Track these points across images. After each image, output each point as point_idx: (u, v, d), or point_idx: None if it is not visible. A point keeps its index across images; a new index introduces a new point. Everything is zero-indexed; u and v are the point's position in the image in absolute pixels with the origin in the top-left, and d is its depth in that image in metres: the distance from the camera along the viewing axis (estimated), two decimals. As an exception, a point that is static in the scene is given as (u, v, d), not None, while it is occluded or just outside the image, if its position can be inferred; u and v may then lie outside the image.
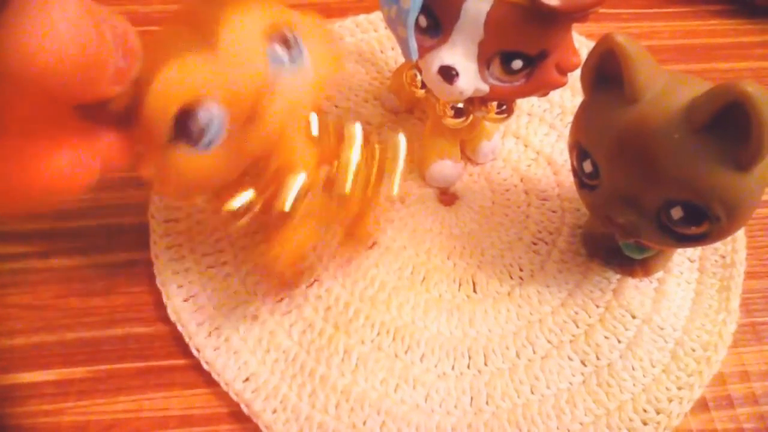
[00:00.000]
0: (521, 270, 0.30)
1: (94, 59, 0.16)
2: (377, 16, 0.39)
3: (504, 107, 0.28)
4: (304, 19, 0.22)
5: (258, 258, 0.29)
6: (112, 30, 0.17)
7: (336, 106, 0.35)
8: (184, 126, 0.19)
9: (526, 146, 0.34)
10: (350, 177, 0.24)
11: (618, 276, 0.30)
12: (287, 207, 0.23)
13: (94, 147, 0.19)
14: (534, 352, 0.28)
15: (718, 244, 0.30)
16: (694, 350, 0.28)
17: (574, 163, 0.25)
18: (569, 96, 0.36)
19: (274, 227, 0.25)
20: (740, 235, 0.31)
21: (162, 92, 0.19)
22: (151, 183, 0.21)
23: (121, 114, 0.19)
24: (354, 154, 0.24)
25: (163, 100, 0.19)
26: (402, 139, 0.25)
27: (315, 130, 0.24)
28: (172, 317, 0.28)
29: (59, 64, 0.15)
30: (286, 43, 0.21)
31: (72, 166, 0.18)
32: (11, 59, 0.14)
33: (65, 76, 0.15)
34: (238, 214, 0.23)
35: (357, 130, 0.25)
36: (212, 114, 0.20)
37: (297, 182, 0.23)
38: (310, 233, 0.25)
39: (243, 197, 0.23)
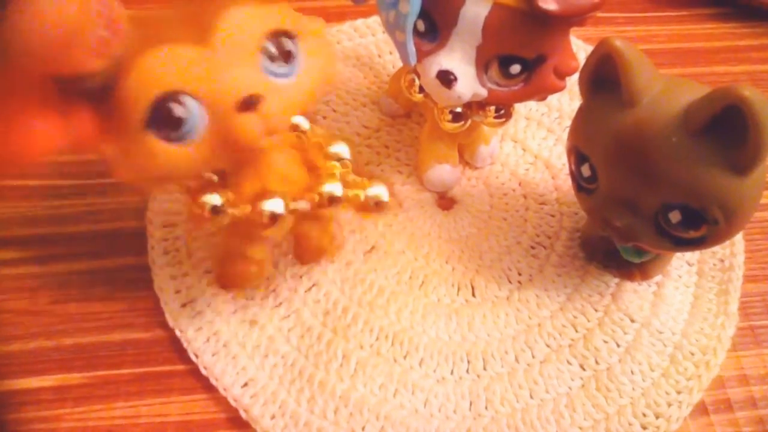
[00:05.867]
0: (520, 274, 0.30)
1: (72, 25, 0.16)
2: (375, 21, 0.39)
3: (502, 111, 0.28)
4: (306, 25, 0.22)
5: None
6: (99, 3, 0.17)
7: (334, 110, 0.35)
8: (160, 114, 0.19)
9: (524, 150, 0.34)
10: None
11: (616, 280, 0.30)
12: (272, 234, 0.23)
13: (64, 119, 0.18)
14: (533, 357, 0.28)
15: (716, 248, 0.30)
16: (693, 354, 0.28)
17: (572, 166, 0.25)
18: (567, 100, 0.36)
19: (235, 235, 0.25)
20: (739, 238, 0.31)
21: (144, 76, 0.19)
22: (112, 164, 0.20)
23: (97, 90, 0.19)
24: (337, 188, 0.23)
25: (143, 84, 0.19)
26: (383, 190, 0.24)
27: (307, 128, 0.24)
28: (170, 322, 0.28)
29: (39, 30, 0.15)
30: (282, 52, 0.20)
31: (37, 133, 0.18)
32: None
33: (44, 42, 0.15)
34: (204, 217, 0.22)
35: (344, 150, 0.24)
36: (191, 109, 0.19)
37: (275, 207, 0.22)
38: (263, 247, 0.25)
39: (212, 199, 0.22)
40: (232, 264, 0.25)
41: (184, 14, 0.20)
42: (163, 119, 0.19)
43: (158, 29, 0.19)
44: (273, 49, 0.20)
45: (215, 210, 0.22)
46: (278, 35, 0.20)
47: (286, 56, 0.21)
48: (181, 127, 0.19)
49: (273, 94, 0.20)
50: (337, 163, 0.24)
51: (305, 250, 0.26)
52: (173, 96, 0.19)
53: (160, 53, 0.19)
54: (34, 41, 0.15)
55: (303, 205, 0.23)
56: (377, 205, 0.24)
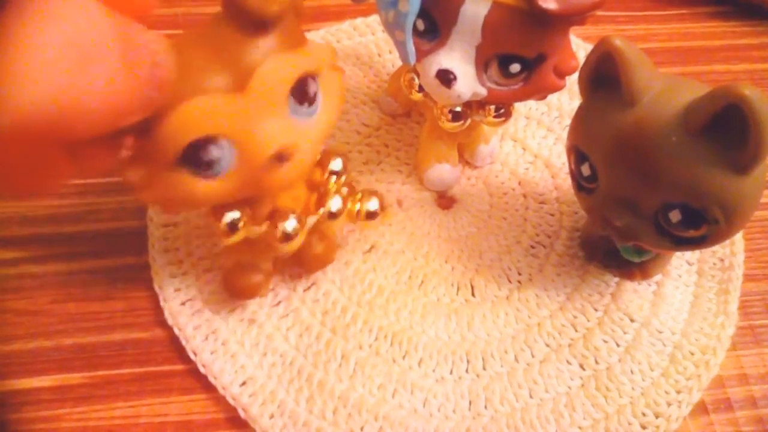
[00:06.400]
0: (519, 273, 0.30)
1: (121, 99, 0.16)
2: (375, 20, 0.39)
3: (502, 110, 0.28)
4: (321, 54, 0.22)
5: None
6: (152, 57, 0.17)
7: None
8: (194, 155, 0.20)
9: (524, 149, 0.34)
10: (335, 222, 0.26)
11: (616, 279, 0.30)
12: (286, 250, 0.25)
13: (74, 157, 0.18)
14: (532, 356, 0.28)
15: (716, 247, 0.30)
16: (692, 353, 0.28)
17: (572, 166, 0.25)
18: (567, 99, 0.36)
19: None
20: (739, 238, 0.31)
21: (182, 121, 0.19)
22: (135, 188, 0.21)
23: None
24: (338, 203, 0.25)
25: (180, 129, 0.19)
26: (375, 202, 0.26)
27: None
28: (169, 320, 0.28)
29: (86, 107, 0.15)
30: (308, 95, 0.21)
31: (43, 175, 0.18)
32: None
33: (87, 117, 0.15)
34: (227, 232, 0.24)
35: (339, 165, 0.26)
36: (224, 150, 0.20)
37: (290, 226, 0.24)
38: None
39: (231, 216, 0.24)
40: (242, 275, 0.27)
41: (216, 47, 0.20)
42: (197, 159, 0.20)
43: (191, 65, 0.19)
44: (301, 96, 0.21)
45: (232, 226, 0.24)
46: (306, 78, 0.21)
47: (312, 98, 0.22)
48: (213, 166, 0.20)
49: (301, 137, 0.21)
50: (333, 179, 0.25)
51: (310, 260, 0.28)
52: (209, 139, 0.20)
53: (198, 100, 0.19)
54: (77, 116, 0.15)
55: (312, 221, 0.25)
56: (370, 215, 0.26)
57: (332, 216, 0.25)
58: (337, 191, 0.25)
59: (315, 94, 0.22)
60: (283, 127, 0.21)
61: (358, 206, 0.26)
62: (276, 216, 0.24)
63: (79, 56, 0.14)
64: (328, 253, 0.28)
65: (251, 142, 0.20)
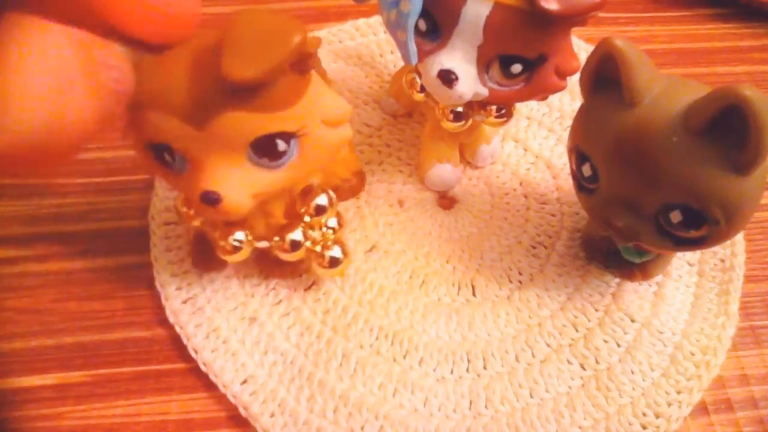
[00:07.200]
0: (520, 274, 0.30)
1: (87, 120, 0.17)
2: (377, 20, 0.39)
3: (503, 111, 0.28)
4: (318, 117, 0.22)
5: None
6: (110, 73, 0.17)
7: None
8: (153, 150, 0.21)
9: (525, 150, 0.34)
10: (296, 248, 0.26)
11: (617, 280, 0.30)
12: (231, 260, 0.26)
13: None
14: (533, 356, 0.28)
15: (717, 248, 0.30)
16: (693, 354, 0.28)
17: (573, 166, 0.25)
18: (568, 100, 0.36)
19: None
20: (739, 238, 0.31)
21: (142, 124, 0.20)
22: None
23: None
24: (299, 237, 0.25)
25: (141, 128, 0.21)
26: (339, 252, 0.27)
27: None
28: (171, 318, 0.28)
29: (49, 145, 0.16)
30: (271, 154, 0.21)
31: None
32: None
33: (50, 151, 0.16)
34: (191, 217, 0.26)
35: (324, 202, 0.25)
36: (177, 159, 0.21)
37: (238, 240, 0.25)
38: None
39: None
40: (203, 249, 0.28)
41: (201, 67, 0.20)
42: (155, 154, 0.21)
43: (174, 71, 0.20)
44: (263, 150, 0.21)
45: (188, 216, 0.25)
46: (272, 137, 0.21)
47: (276, 156, 0.21)
48: (170, 166, 0.21)
49: (243, 186, 0.21)
50: (308, 218, 0.25)
51: (267, 264, 0.28)
52: (164, 147, 0.21)
53: (160, 116, 0.20)
54: (57, 139, 0.16)
55: (263, 244, 0.25)
56: (332, 262, 0.26)
57: (292, 248, 0.25)
58: (308, 228, 0.25)
59: (284, 152, 0.21)
60: (226, 173, 0.21)
61: (319, 248, 0.26)
62: (229, 224, 0.25)
63: (56, 84, 0.15)
64: (283, 272, 0.29)
65: (195, 170, 0.21)
